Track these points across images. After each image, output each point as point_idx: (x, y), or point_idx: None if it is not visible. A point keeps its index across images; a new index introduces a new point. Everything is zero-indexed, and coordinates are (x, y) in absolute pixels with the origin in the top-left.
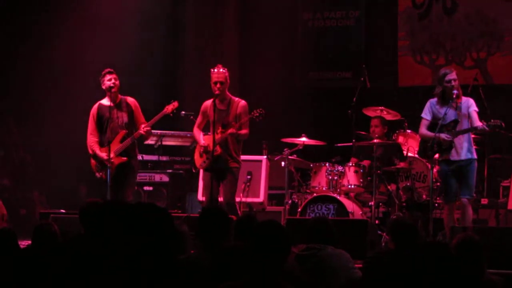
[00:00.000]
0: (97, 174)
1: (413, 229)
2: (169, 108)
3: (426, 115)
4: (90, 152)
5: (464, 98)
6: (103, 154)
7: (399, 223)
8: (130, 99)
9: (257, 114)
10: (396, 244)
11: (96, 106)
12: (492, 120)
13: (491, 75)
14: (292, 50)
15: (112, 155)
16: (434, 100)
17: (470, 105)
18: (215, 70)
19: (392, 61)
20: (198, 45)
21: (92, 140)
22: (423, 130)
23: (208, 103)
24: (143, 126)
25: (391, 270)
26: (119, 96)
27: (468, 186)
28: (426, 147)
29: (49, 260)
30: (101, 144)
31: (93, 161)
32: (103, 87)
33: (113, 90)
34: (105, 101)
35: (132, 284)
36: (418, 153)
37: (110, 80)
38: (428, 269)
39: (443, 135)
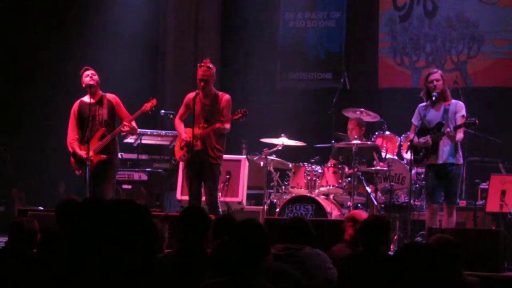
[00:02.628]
0: (77, 172)
1: (382, 229)
2: (147, 106)
3: (414, 120)
4: (70, 150)
5: (453, 101)
6: (82, 152)
7: (367, 223)
8: (111, 96)
9: (240, 115)
10: (365, 244)
11: (77, 103)
12: (468, 119)
13: (471, 78)
14: (272, 50)
15: (91, 153)
16: (422, 105)
17: (458, 110)
18: (202, 65)
19: (372, 62)
20: (179, 44)
21: (72, 137)
22: (411, 135)
23: (192, 95)
24: (124, 123)
25: (365, 269)
26: (100, 92)
27: (451, 192)
28: (414, 156)
29: (27, 257)
30: (81, 141)
31: (72, 159)
32: (83, 85)
33: (91, 83)
34: (86, 98)
35: (113, 282)
36: (414, 161)
37: (87, 76)
38: (405, 269)
39: (416, 140)
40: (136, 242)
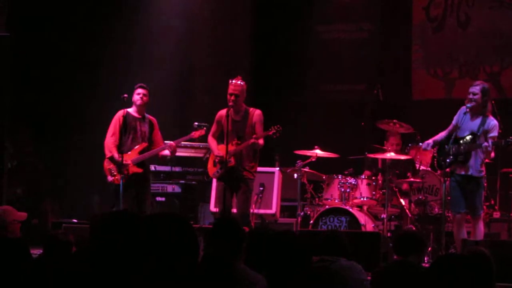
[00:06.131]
0: (109, 178)
1: (418, 240)
2: (196, 134)
3: (454, 119)
4: (107, 153)
5: (491, 117)
6: (120, 158)
7: (405, 234)
8: (152, 117)
9: (274, 131)
10: (401, 255)
11: (123, 111)
12: (511, 137)
13: (504, 89)
14: (305, 62)
15: (129, 162)
16: (464, 107)
17: (490, 129)
18: (233, 81)
19: (405, 74)
20: (211, 56)
21: (111, 142)
22: (443, 132)
23: (223, 112)
24: (169, 143)
25: (397, 281)
26: (145, 111)
27: (474, 205)
28: (440, 159)
29: (62, 270)
30: (119, 149)
31: (106, 164)
32: (133, 99)
33: (138, 103)
34: (132, 111)
35: None
36: (437, 165)
37: (139, 94)
38: (442, 281)
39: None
40: (181, 253)
